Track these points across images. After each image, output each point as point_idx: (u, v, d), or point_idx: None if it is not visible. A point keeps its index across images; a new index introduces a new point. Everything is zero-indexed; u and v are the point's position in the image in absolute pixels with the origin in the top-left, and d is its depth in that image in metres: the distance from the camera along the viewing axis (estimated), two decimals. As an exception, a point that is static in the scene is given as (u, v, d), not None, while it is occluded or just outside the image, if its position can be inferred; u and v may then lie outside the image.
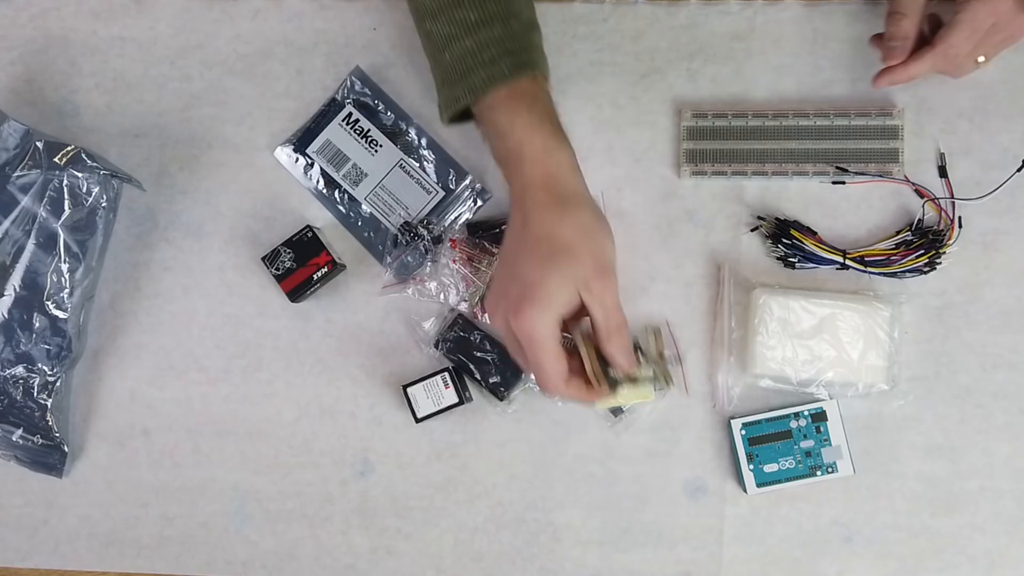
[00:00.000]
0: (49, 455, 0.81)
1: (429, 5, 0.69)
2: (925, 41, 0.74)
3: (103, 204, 0.79)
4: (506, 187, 0.70)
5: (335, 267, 0.80)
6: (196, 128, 0.84)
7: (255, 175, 0.83)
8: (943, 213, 0.79)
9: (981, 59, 0.74)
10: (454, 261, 0.80)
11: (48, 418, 0.80)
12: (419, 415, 0.78)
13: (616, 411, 0.80)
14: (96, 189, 0.78)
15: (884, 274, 0.79)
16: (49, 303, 0.78)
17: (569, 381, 0.67)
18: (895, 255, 0.79)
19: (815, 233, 0.80)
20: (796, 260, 0.79)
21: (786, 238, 0.79)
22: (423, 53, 0.74)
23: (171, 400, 0.83)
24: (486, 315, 0.80)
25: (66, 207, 0.78)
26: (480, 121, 0.71)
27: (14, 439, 0.80)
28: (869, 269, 0.79)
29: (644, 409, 0.80)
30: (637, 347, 0.77)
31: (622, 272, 0.80)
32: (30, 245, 0.78)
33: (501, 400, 0.80)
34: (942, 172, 0.80)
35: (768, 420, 0.79)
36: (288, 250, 0.80)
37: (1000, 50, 0.74)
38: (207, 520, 0.82)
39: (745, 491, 0.79)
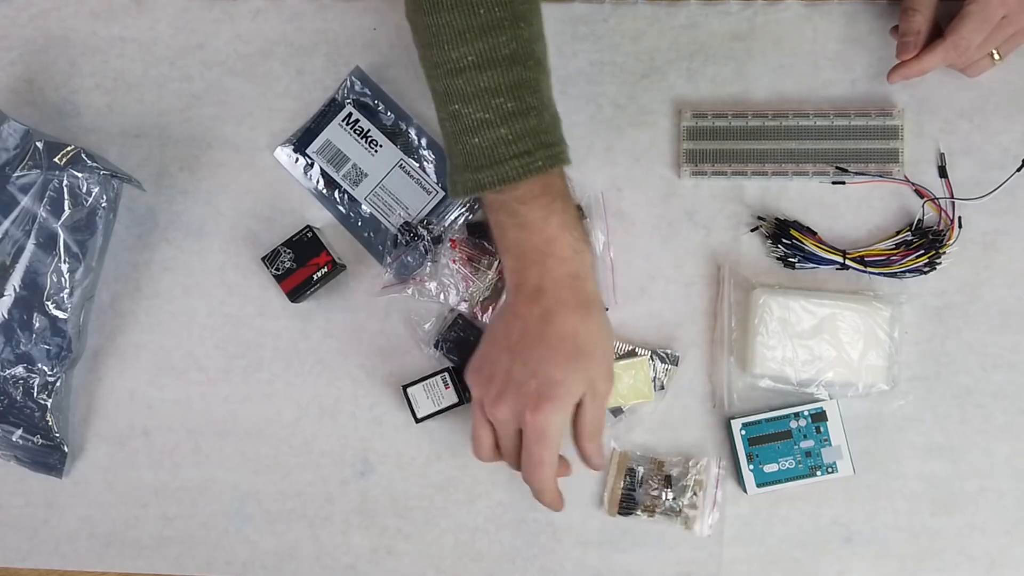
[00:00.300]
0: (49, 455, 0.81)
1: (464, 89, 0.67)
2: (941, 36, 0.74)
3: (103, 204, 0.79)
4: (512, 274, 0.69)
5: (335, 267, 0.80)
6: (196, 128, 0.84)
7: (255, 175, 0.83)
8: (943, 213, 0.79)
9: (996, 56, 0.75)
10: (454, 261, 0.80)
11: (48, 418, 0.80)
12: (419, 415, 0.78)
13: (616, 411, 0.80)
14: (96, 189, 0.78)
15: (884, 274, 0.79)
16: (49, 303, 0.78)
17: (554, 482, 0.71)
18: (895, 255, 0.79)
19: (815, 233, 0.80)
20: (796, 260, 0.79)
21: (786, 238, 0.79)
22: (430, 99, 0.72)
23: (171, 400, 0.83)
24: (486, 315, 0.80)
25: (66, 207, 0.78)
26: (496, 208, 0.70)
27: (14, 439, 0.80)
28: (869, 269, 0.79)
29: (644, 410, 0.80)
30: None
31: (621, 272, 0.81)
32: (30, 245, 0.78)
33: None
34: (942, 172, 0.80)
35: (768, 420, 0.79)
36: (288, 250, 0.80)
37: (1015, 46, 0.75)
38: (207, 520, 0.82)
39: (745, 491, 0.79)
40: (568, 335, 0.67)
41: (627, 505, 0.79)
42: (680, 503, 0.79)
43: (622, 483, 0.79)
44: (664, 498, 0.79)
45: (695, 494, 0.79)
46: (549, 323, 0.67)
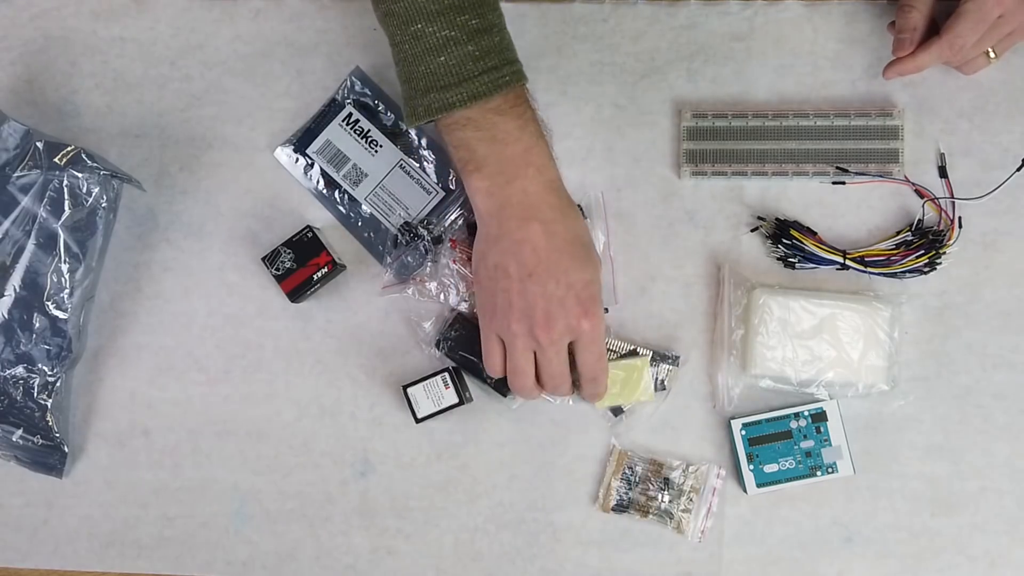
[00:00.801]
0: (49, 455, 0.81)
1: (427, 7, 0.68)
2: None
3: (103, 204, 0.79)
4: (489, 196, 0.70)
5: (335, 267, 0.80)
6: (196, 128, 0.84)
7: (255, 175, 0.83)
8: (943, 213, 0.79)
9: (992, 55, 0.75)
10: (454, 261, 0.80)
11: (48, 418, 0.80)
12: (419, 415, 0.78)
13: (616, 411, 0.80)
14: (96, 189, 0.78)
15: (884, 274, 0.79)
16: (49, 303, 0.78)
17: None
18: (895, 255, 0.79)
19: (815, 233, 0.80)
20: (796, 260, 0.79)
21: (786, 238, 0.79)
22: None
23: (171, 400, 0.83)
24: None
25: (66, 207, 0.78)
26: (460, 125, 0.70)
27: (14, 439, 0.80)
28: (869, 269, 0.79)
29: (644, 410, 0.80)
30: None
31: (622, 272, 0.81)
32: (30, 245, 0.78)
33: (505, 396, 0.80)
34: (942, 172, 0.80)
35: (768, 420, 0.79)
36: (288, 250, 0.80)
37: (1010, 45, 0.75)
38: (207, 520, 0.82)
39: (745, 491, 0.79)
40: (574, 239, 0.71)
41: (621, 503, 0.79)
42: (675, 507, 0.79)
43: (618, 481, 0.79)
44: (660, 500, 0.79)
45: (691, 499, 0.79)
46: (555, 235, 0.70)
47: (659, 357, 0.79)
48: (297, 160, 0.83)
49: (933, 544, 0.79)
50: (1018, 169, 0.79)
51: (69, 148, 0.78)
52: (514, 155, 0.70)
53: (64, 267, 0.78)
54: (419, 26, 0.68)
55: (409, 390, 0.78)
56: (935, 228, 0.79)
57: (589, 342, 0.72)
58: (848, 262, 0.78)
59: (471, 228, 0.81)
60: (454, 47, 0.68)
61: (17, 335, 0.78)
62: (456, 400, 0.78)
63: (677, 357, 0.80)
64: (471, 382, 0.81)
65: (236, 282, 0.83)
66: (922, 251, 0.78)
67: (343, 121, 0.82)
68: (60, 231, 0.78)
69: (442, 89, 0.68)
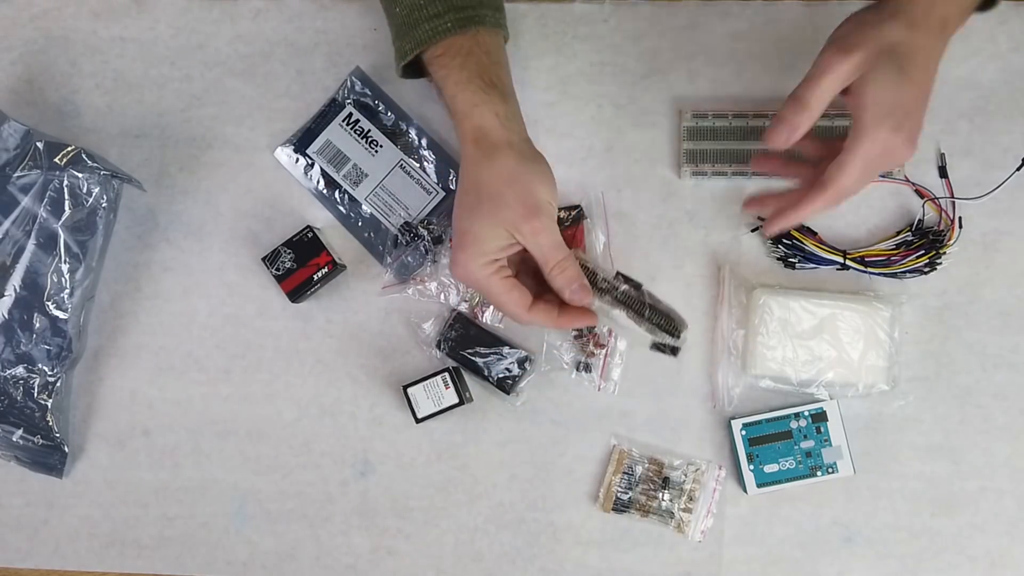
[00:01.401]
0: (49, 455, 0.81)
1: None
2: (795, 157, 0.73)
3: (103, 204, 0.79)
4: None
5: (335, 267, 0.80)
6: (196, 128, 0.84)
7: (255, 175, 0.83)
8: (943, 213, 0.79)
9: (867, 188, 0.70)
10: (454, 261, 0.80)
11: (48, 418, 0.80)
12: (419, 415, 0.78)
13: (664, 348, 0.78)
14: (96, 189, 0.78)
15: (884, 274, 0.79)
16: (49, 303, 0.78)
17: (533, 309, 0.71)
18: (895, 255, 0.79)
19: (815, 233, 0.80)
20: (796, 260, 0.79)
21: (786, 238, 0.79)
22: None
23: (171, 400, 0.83)
24: (484, 316, 0.80)
25: (66, 207, 0.78)
26: (430, 76, 0.73)
27: (14, 439, 0.80)
28: (869, 269, 0.79)
29: (644, 410, 0.80)
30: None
31: (623, 270, 0.81)
32: (30, 245, 0.78)
33: (508, 394, 0.80)
34: (942, 172, 0.80)
35: (768, 420, 0.79)
36: (288, 250, 0.80)
37: (881, 172, 0.71)
38: (207, 520, 0.82)
39: (745, 491, 0.79)
40: (470, 187, 0.70)
41: (621, 503, 0.79)
42: (675, 506, 0.79)
43: (618, 480, 0.79)
44: (660, 500, 0.79)
45: (691, 499, 0.79)
46: (460, 180, 0.71)
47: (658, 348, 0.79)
48: (297, 160, 0.83)
49: (933, 544, 0.79)
50: (1018, 169, 0.79)
51: (69, 148, 0.78)
52: (449, 106, 0.71)
53: (64, 267, 0.78)
54: None
55: (409, 390, 0.78)
56: (935, 228, 0.79)
57: (472, 285, 0.71)
58: (848, 262, 0.78)
59: (471, 228, 0.81)
60: None
61: (17, 335, 0.78)
62: (456, 400, 0.78)
63: (678, 349, 0.78)
64: (471, 382, 0.81)
65: (236, 282, 0.83)
66: (922, 251, 0.78)
67: (343, 121, 0.82)
68: (60, 231, 0.78)
69: (399, 38, 0.73)
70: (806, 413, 0.78)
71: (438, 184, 0.82)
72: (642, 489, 0.79)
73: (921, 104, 0.65)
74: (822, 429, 0.78)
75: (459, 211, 0.70)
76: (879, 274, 0.79)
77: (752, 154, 0.80)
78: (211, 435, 0.82)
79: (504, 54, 0.73)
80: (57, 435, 0.81)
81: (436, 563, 0.81)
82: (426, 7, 0.70)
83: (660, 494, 0.79)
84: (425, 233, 0.81)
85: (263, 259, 0.81)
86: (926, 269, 0.79)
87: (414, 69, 0.74)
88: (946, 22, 0.64)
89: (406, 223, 0.82)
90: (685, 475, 0.79)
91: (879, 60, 0.62)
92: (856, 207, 0.80)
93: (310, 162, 0.82)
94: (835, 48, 0.63)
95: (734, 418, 0.79)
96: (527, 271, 0.72)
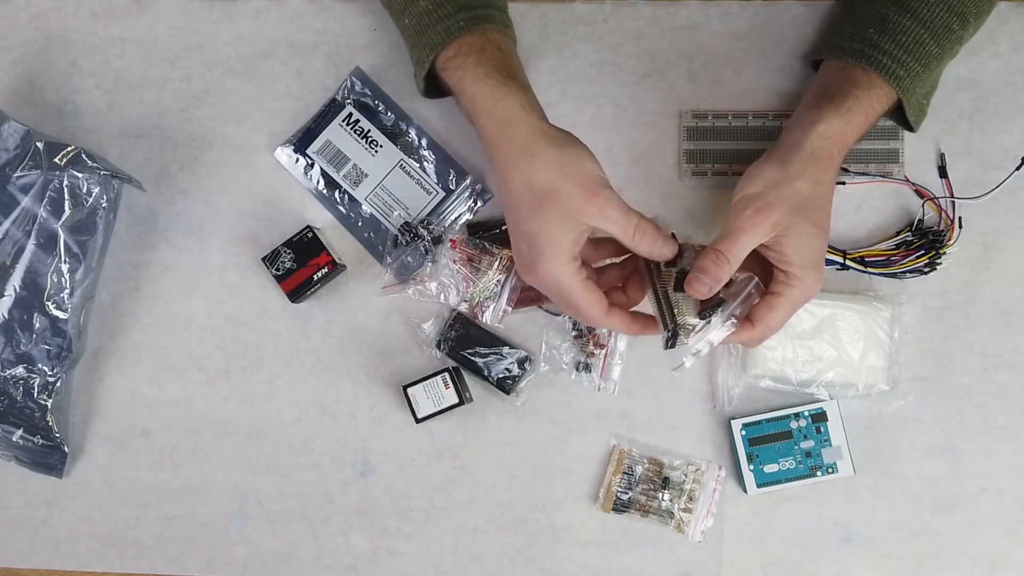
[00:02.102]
0: (49, 455, 0.81)
1: None
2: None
3: (103, 204, 0.79)
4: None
5: (335, 267, 0.80)
6: (196, 128, 0.84)
7: (255, 175, 0.83)
8: (943, 213, 0.79)
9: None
10: (454, 262, 0.80)
11: (48, 418, 0.80)
12: (419, 415, 0.78)
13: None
14: (96, 189, 0.78)
15: (884, 274, 0.79)
16: (49, 303, 0.78)
17: (610, 313, 0.68)
18: (895, 255, 0.79)
19: (815, 233, 0.80)
20: (796, 260, 0.79)
21: (786, 238, 0.79)
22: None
23: (171, 400, 0.83)
24: (485, 316, 0.80)
25: (66, 207, 0.78)
26: (450, 90, 0.72)
27: (14, 439, 0.80)
28: (869, 270, 0.79)
29: (644, 410, 0.80)
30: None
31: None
32: (30, 245, 0.78)
33: (509, 394, 0.80)
34: (942, 172, 0.80)
35: (768, 420, 0.79)
36: (288, 250, 0.80)
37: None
38: (207, 520, 0.82)
39: (745, 491, 0.79)
40: (522, 187, 0.67)
41: (621, 503, 0.79)
42: (675, 506, 0.79)
43: (618, 480, 0.79)
44: (660, 500, 0.79)
45: (691, 499, 0.79)
46: (507, 183, 0.68)
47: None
48: (297, 160, 0.83)
49: (933, 544, 0.79)
50: (1017, 168, 0.79)
51: (69, 148, 0.78)
52: (467, 110, 0.70)
53: (64, 267, 0.78)
54: None
55: (409, 390, 0.78)
56: (935, 228, 0.79)
57: (552, 294, 0.68)
58: (848, 262, 0.78)
59: (471, 228, 0.81)
60: (412, 6, 0.71)
61: (17, 335, 0.78)
62: (456, 400, 0.78)
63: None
64: (471, 382, 0.81)
65: (236, 282, 0.83)
66: (922, 251, 0.78)
67: (343, 121, 0.82)
68: (60, 231, 0.78)
69: (413, 48, 0.73)
70: (806, 413, 0.78)
71: (438, 184, 0.82)
72: (642, 489, 0.79)
73: (826, 243, 0.70)
74: (822, 429, 0.78)
75: (523, 216, 0.67)
76: (879, 274, 0.79)
77: (752, 154, 0.80)
78: (211, 435, 0.82)
79: (515, 50, 0.74)
80: (57, 435, 0.81)
81: (436, 563, 0.81)
82: (435, 11, 0.70)
83: (660, 494, 0.79)
84: (425, 233, 0.81)
85: (263, 259, 0.81)
86: (926, 269, 0.79)
87: (434, 88, 0.74)
88: (839, 161, 0.70)
89: (406, 223, 0.82)
90: (685, 475, 0.79)
91: (796, 219, 0.67)
92: (856, 207, 0.80)
93: (310, 162, 0.82)
94: (752, 210, 0.67)
95: (734, 418, 0.79)
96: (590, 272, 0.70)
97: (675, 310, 0.68)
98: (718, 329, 0.68)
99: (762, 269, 0.70)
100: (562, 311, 0.71)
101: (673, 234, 0.69)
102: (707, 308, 0.68)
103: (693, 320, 0.68)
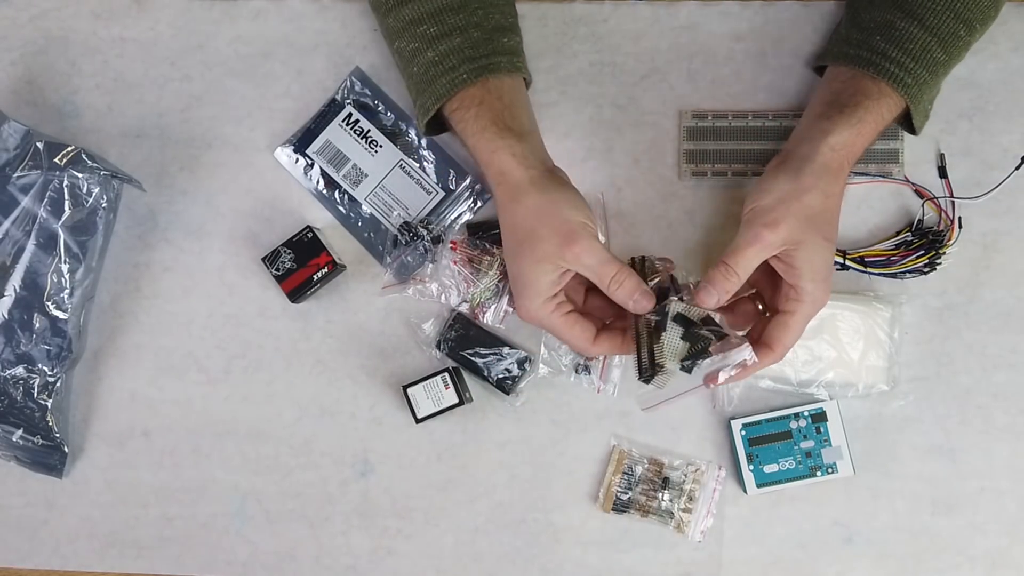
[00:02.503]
0: (49, 456, 0.81)
1: (393, 25, 0.75)
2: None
3: (103, 204, 0.79)
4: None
5: (335, 267, 0.80)
6: (196, 128, 0.84)
7: (255, 176, 0.83)
8: (943, 213, 0.79)
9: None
10: (454, 262, 0.80)
11: (48, 419, 0.80)
12: (419, 416, 0.78)
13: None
14: (96, 190, 0.78)
15: (884, 275, 0.79)
16: (49, 303, 0.78)
17: (598, 342, 0.72)
18: (895, 256, 0.79)
19: (815, 233, 0.80)
20: (796, 260, 0.79)
21: (786, 238, 0.79)
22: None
23: (171, 401, 0.83)
24: (485, 317, 0.80)
25: (66, 207, 0.78)
26: (452, 122, 0.75)
27: (14, 440, 0.80)
28: (869, 270, 0.79)
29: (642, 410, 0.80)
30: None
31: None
32: (30, 246, 0.78)
33: (508, 394, 0.80)
34: (942, 172, 0.80)
35: (768, 420, 0.79)
36: (288, 250, 0.80)
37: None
38: (207, 521, 0.82)
39: (745, 491, 0.79)
40: (509, 228, 0.72)
41: (621, 503, 0.79)
42: (675, 506, 0.79)
43: (618, 480, 0.79)
44: (660, 500, 0.79)
45: (691, 499, 0.79)
46: (501, 226, 0.73)
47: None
48: (297, 160, 0.83)
49: (933, 544, 0.79)
50: (1017, 168, 0.79)
51: (69, 148, 0.78)
52: (471, 157, 0.74)
53: (64, 267, 0.78)
54: (395, 44, 0.76)
55: (409, 390, 0.78)
56: (935, 228, 0.79)
57: (536, 326, 0.73)
58: (848, 262, 0.78)
59: (471, 229, 0.81)
60: (419, 56, 0.74)
61: (17, 335, 0.78)
62: (456, 400, 0.78)
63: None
64: (471, 382, 0.81)
65: (236, 282, 0.83)
66: (922, 251, 0.78)
67: (343, 121, 0.82)
68: (60, 231, 0.78)
69: (419, 95, 0.75)
70: (806, 413, 0.78)
71: (438, 184, 0.82)
72: (642, 489, 0.79)
73: (833, 253, 0.71)
74: (822, 429, 0.78)
75: (509, 258, 0.72)
76: (879, 274, 0.79)
77: (751, 154, 0.80)
78: (211, 435, 0.82)
79: (520, 94, 0.75)
80: (57, 435, 0.81)
81: (436, 563, 0.81)
82: (441, 62, 0.72)
83: (660, 494, 0.79)
84: (425, 233, 0.81)
85: (263, 259, 0.81)
86: (926, 269, 0.79)
87: (436, 125, 0.76)
88: (848, 172, 0.71)
89: (406, 223, 0.82)
90: (685, 475, 0.79)
91: (806, 233, 0.68)
92: (856, 207, 0.80)
93: (310, 162, 0.82)
94: (761, 224, 0.68)
95: (734, 418, 0.79)
96: (595, 291, 0.72)
97: (655, 352, 0.68)
98: (692, 379, 0.69)
99: (771, 282, 0.71)
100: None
101: (672, 273, 0.73)
102: (693, 356, 0.68)
103: (673, 366, 0.68)
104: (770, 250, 0.68)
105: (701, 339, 0.68)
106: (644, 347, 0.69)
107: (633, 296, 0.69)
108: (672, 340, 0.68)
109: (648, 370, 0.68)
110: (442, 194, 0.82)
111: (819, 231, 0.68)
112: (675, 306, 0.69)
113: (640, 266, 0.73)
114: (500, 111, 0.72)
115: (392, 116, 0.82)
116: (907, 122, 0.74)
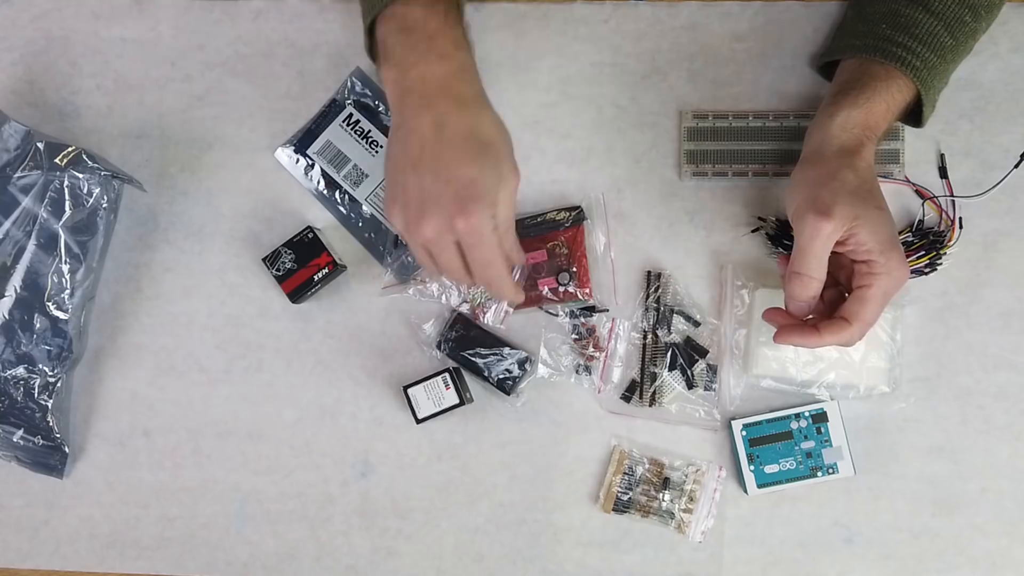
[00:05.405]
0: (50, 456, 0.81)
1: None
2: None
3: (104, 205, 0.79)
4: (394, 86, 0.67)
5: (336, 268, 0.80)
6: (197, 129, 0.84)
7: (256, 176, 0.83)
8: (944, 214, 0.79)
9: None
10: (455, 262, 0.80)
11: (49, 419, 0.80)
12: (420, 416, 0.78)
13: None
14: (97, 190, 0.78)
15: (885, 275, 0.79)
16: (50, 304, 0.78)
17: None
18: (896, 256, 0.79)
19: (816, 234, 0.80)
20: (797, 261, 0.79)
21: (787, 239, 0.79)
22: None
23: (172, 401, 0.83)
24: (486, 317, 0.80)
25: (67, 208, 0.78)
26: (381, 29, 0.68)
27: (15, 440, 0.80)
28: (870, 270, 0.79)
29: (644, 410, 0.80)
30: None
31: (622, 273, 0.81)
32: (31, 246, 0.78)
33: (509, 394, 0.80)
34: (942, 173, 0.80)
35: (769, 421, 0.79)
36: (289, 251, 0.80)
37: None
38: (208, 521, 0.82)
39: (746, 492, 0.79)
40: (467, 133, 0.65)
41: (622, 503, 0.79)
42: (675, 507, 0.79)
43: (619, 481, 0.79)
44: (660, 500, 0.79)
45: (692, 499, 0.79)
46: (445, 126, 0.65)
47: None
48: (298, 161, 0.83)
49: (934, 545, 0.79)
50: (1017, 165, 0.79)
51: (70, 149, 0.78)
52: (417, 42, 0.67)
53: (65, 268, 0.78)
54: None
55: (410, 391, 0.78)
56: (936, 229, 0.79)
57: (470, 244, 0.65)
58: (849, 263, 0.78)
59: (472, 229, 0.81)
60: None
61: (18, 336, 0.79)
62: (457, 400, 0.78)
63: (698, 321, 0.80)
64: (472, 382, 0.81)
65: (237, 283, 0.83)
66: (923, 252, 0.78)
67: (343, 122, 0.82)
68: (61, 232, 0.78)
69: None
70: (807, 414, 0.78)
71: (438, 185, 0.82)
72: (642, 490, 0.79)
73: (893, 224, 0.69)
74: (823, 430, 0.78)
75: (461, 160, 0.65)
76: (880, 274, 0.79)
77: (752, 155, 0.80)
78: (211, 436, 0.82)
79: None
80: (57, 435, 0.81)
81: (436, 563, 0.81)
82: None
83: (660, 495, 0.79)
84: (425, 234, 0.81)
85: (264, 260, 0.81)
86: (927, 270, 0.79)
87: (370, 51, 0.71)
88: (871, 148, 0.70)
89: (406, 224, 0.82)
90: (685, 476, 0.79)
91: (857, 207, 0.66)
92: (856, 207, 0.80)
93: (310, 163, 0.82)
94: (813, 213, 0.66)
95: (735, 418, 0.79)
96: None
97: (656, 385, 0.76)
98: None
99: (844, 274, 0.71)
100: (459, 277, 0.69)
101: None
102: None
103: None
104: (832, 237, 0.66)
105: None
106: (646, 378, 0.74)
107: (516, 255, 0.70)
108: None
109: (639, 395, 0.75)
110: (443, 194, 0.82)
111: (868, 201, 0.67)
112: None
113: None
114: (457, 13, 0.68)
115: (393, 116, 0.82)
116: (914, 116, 0.74)
